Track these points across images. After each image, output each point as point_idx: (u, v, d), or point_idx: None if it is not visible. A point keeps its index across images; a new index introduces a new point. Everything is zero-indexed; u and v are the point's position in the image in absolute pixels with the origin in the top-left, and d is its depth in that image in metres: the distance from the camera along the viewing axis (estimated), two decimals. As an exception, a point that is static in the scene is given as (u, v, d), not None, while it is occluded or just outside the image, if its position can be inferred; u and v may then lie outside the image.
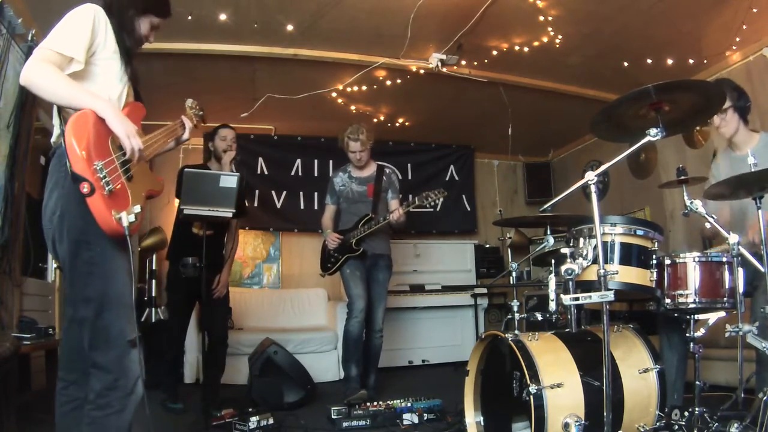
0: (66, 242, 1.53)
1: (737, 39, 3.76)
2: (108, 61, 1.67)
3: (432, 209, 5.92)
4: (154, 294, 4.84)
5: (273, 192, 5.57)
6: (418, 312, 5.31)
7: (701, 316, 2.09)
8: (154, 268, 4.95)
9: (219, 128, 3.46)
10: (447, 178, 6.17)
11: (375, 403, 3.02)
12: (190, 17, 3.32)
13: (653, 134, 1.85)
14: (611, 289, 1.82)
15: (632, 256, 2.06)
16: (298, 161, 5.69)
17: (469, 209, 6.23)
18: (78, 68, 1.58)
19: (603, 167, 1.95)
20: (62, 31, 1.58)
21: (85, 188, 1.42)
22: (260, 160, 5.55)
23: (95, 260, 1.53)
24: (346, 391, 3.45)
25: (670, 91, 1.88)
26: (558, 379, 1.95)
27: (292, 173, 5.66)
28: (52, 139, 1.68)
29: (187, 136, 2.02)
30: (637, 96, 1.89)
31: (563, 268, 1.99)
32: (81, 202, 1.46)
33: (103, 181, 1.46)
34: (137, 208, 1.54)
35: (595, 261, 1.96)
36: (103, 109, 1.55)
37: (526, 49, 3.94)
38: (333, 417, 2.86)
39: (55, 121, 1.64)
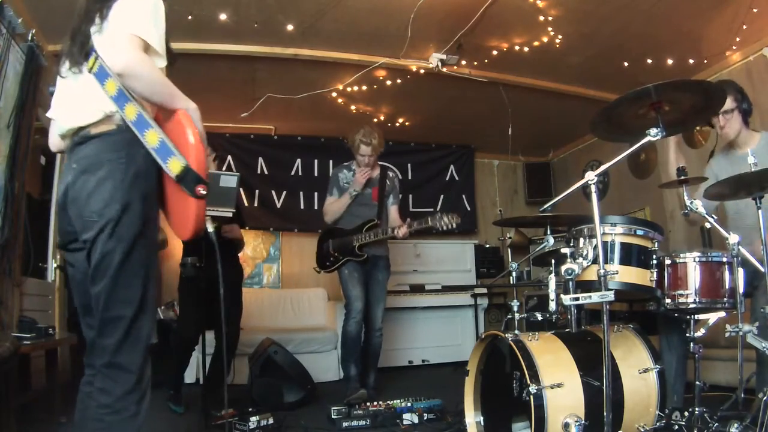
0: (118, 240, 1.42)
1: (737, 39, 3.77)
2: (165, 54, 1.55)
3: (432, 209, 5.91)
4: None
5: (273, 192, 5.56)
6: (418, 312, 5.31)
7: (701, 316, 2.09)
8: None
9: None
10: (447, 178, 6.17)
11: (375, 403, 3.01)
12: (190, 17, 3.32)
13: (653, 134, 1.86)
14: (611, 289, 1.82)
15: (632, 256, 2.06)
16: (298, 161, 5.68)
17: (469, 209, 6.22)
18: (162, 65, 1.47)
19: (603, 167, 1.94)
20: (145, 17, 1.43)
21: (203, 191, 1.39)
22: (260, 160, 5.54)
23: (144, 262, 1.48)
24: (346, 391, 3.44)
25: (670, 91, 1.88)
26: (558, 379, 1.94)
27: (292, 173, 5.66)
28: (92, 122, 1.47)
29: None
30: (637, 96, 1.89)
31: (563, 268, 1.99)
32: (142, 200, 1.42)
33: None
34: None
35: (595, 261, 1.96)
36: (195, 110, 1.47)
37: (526, 49, 3.94)
38: (333, 417, 2.86)
39: (105, 105, 1.44)
